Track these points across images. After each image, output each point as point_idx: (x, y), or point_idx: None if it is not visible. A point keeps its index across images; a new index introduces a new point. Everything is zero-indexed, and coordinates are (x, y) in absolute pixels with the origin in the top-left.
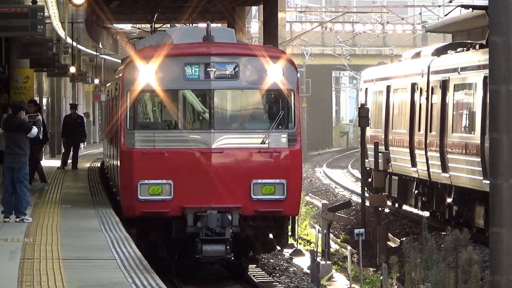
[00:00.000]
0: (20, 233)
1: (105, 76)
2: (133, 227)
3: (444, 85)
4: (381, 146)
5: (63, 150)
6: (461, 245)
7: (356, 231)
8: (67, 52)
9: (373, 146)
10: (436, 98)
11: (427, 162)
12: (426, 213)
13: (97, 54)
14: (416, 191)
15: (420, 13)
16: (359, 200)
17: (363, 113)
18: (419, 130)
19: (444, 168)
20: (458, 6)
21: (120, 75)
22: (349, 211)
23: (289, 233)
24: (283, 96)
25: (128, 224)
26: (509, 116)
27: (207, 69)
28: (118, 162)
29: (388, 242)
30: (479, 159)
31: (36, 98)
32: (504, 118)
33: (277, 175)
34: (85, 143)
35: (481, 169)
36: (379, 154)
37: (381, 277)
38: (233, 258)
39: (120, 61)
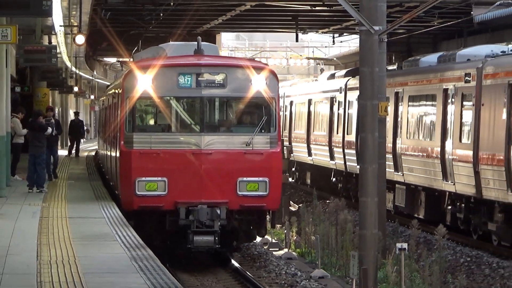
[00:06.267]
0: (39, 200)
1: (98, 93)
2: (131, 219)
3: (291, 103)
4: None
5: (69, 144)
6: (340, 209)
7: None
8: (72, 76)
9: None
10: (302, 109)
11: (298, 150)
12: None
13: (93, 78)
14: (293, 169)
15: (313, 52)
16: None
17: None
18: (294, 130)
19: (309, 154)
20: (306, 58)
21: (120, 84)
22: None
23: (269, 225)
24: (266, 103)
25: (126, 216)
26: (372, 121)
27: (198, 79)
28: (118, 161)
29: (290, 207)
30: (327, 148)
31: None
32: (369, 123)
33: (260, 173)
34: (84, 139)
35: (328, 154)
36: (284, 147)
37: (285, 231)
38: (219, 247)
39: (108, 83)
